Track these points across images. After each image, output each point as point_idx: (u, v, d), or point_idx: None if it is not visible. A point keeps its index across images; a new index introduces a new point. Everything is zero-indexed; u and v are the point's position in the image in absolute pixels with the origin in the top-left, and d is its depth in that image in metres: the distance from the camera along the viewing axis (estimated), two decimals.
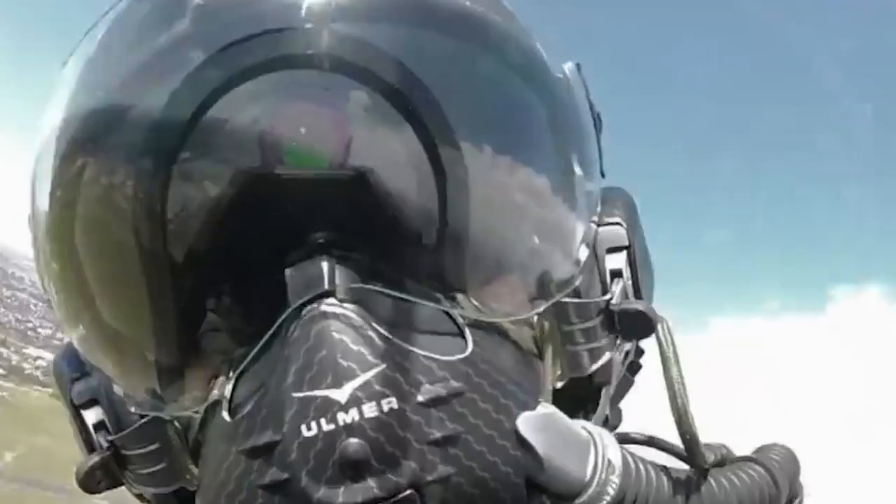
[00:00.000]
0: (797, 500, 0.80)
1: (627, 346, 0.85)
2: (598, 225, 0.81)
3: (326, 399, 0.61)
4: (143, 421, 0.75)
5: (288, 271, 0.66)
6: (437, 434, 0.62)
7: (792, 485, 0.79)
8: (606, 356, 0.79)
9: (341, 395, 0.61)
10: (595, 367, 0.78)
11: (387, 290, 0.66)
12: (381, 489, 0.60)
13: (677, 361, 0.76)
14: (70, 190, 0.75)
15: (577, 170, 0.78)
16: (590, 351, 0.77)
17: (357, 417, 0.60)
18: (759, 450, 0.80)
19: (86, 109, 0.74)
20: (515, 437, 0.65)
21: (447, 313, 0.68)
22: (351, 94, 0.70)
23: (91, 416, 0.78)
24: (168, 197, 0.70)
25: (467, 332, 0.68)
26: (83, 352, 0.79)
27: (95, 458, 0.77)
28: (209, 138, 0.69)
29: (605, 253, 0.81)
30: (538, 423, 0.66)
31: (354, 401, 0.61)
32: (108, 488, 0.80)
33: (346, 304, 0.64)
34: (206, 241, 0.71)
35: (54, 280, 0.79)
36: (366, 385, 0.61)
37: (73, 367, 0.80)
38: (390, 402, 0.61)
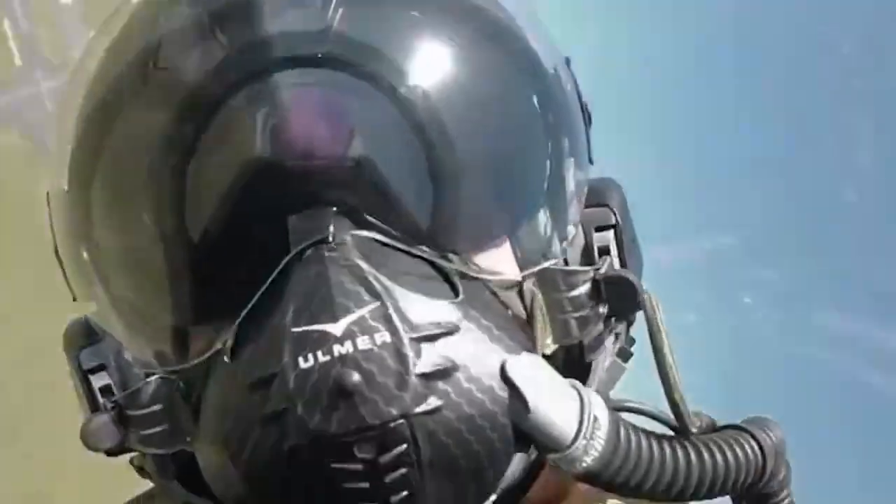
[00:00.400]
0: (780, 475, 0.81)
1: (618, 328, 0.88)
2: (587, 206, 0.85)
3: (323, 332, 0.65)
4: (147, 380, 0.77)
5: (291, 219, 0.70)
6: (427, 369, 0.66)
7: (776, 461, 0.80)
8: (595, 326, 0.82)
9: (337, 328, 0.65)
10: (584, 333, 0.80)
11: (383, 239, 0.71)
12: (373, 417, 0.64)
13: (664, 330, 0.79)
14: (88, 160, 0.79)
15: (567, 155, 0.82)
16: (578, 319, 0.79)
17: (351, 349, 0.64)
18: (751, 421, 0.81)
19: (114, 74, 0.79)
20: (502, 378, 0.68)
21: (439, 266, 0.72)
22: (357, 89, 0.74)
23: (98, 380, 0.82)
24: (187, 172, 0.74)
25: (458, 282, 0.72)
26: (96, 318, 0.84)
27: (100, 416, 0.80)
28: (225, 126, 0.73)
29: (593, 231, 0.85)
30: (525, 368, 0.69)
31: (349, 334, 0.65)
32: (110, 451, 0.82)
33: (344, 250, 0.68)
34: (218, 210, 0.73)
35: (70, 253, 0.83)
36: (360, 320, 0.65)
37: (83, 336, 0.84)
38: (383, 336, 0.65)
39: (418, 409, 0.65)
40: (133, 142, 0.77)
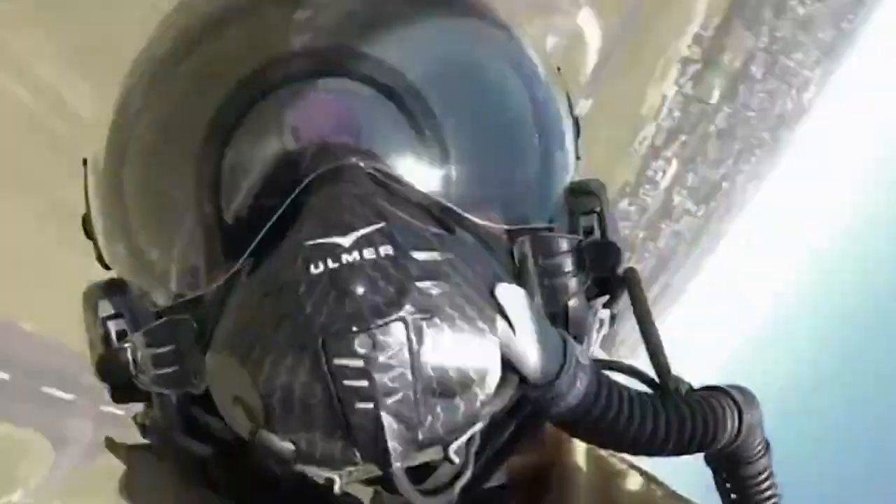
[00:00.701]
0: (756, 442, 0.82)
1: (602, 313, 0.91)
2: (574, 195, 0.91)
3: (333, 244, 0.70)
4: (162, 320, 0.82)
5: (308, 154, 0.77)
6: (424, 281, 0.70)
7: (752, 427, 0.81)
8: (579, 294, 0.86)
9: (346, 241, 0.70)
10: (567, 298, 0.84)
11: (390, 171, 0.77)
12: (374, 316, 0.68)
13: (645, 299, 0.85)
14: (133, 109, 0.86)
15: (555, 143, 0.91)
16: (562, 285, 0.84)
17: (358, 258, 0.69)
18: (731, 386, 0.83)
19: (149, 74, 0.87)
20: (491, 301, 0.72)
21: (437, 208, 0.79)
22: (373, 79, 0.81)
23: (114, 325, 0.85)
24: (221, 132, 0.80)
25: (454, 225, 0.79)
26: (121, 272, 0.89)
27: (115, 351, 0.83)
28: (259, 116, 0.81)
29: (578, 214, 0.90)
30: (514, 297, 0.74)
31: (356, 246, 0.70)
32: (118, 396, 0.85)
33: (356, 178, 0.75)
34: (245, 155, 0.80)
35: (103, 208, 0.89)
36: (367, 235, 0.70)
37: (102, 290, 0.88)
38: (386, 250, 0.70)
39: (415, 314, 0.69)
40: (175, 100, 0.84)
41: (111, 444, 0.89)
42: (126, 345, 0.81)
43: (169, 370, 0.79)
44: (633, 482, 0.94)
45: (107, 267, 0.90)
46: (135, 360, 0.81)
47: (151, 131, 0.83)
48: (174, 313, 0.80)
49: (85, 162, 0.91)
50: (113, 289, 0.86)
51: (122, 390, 0.84)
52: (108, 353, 0.82)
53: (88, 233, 0.92)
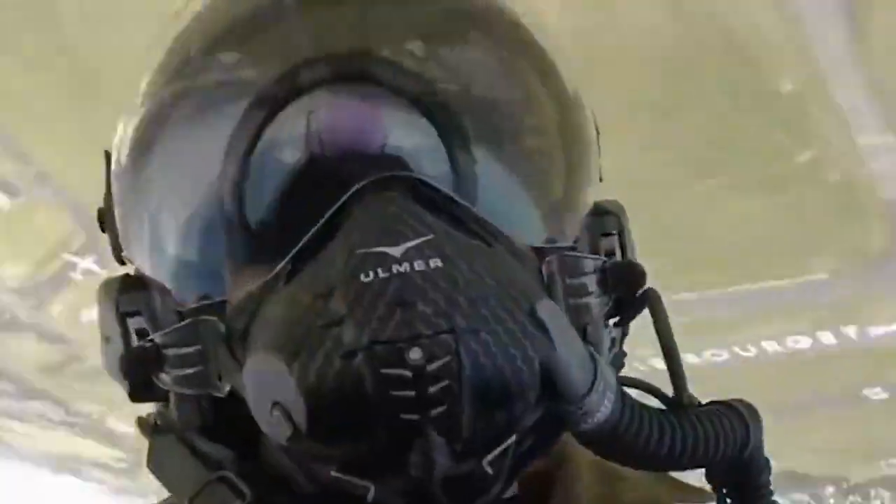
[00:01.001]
0: (763, 453, 0.86)
1: (613, 332, 0.98)
2: (595, 215, 0.98)
3: (384, 254, 0.68)
4: (189, 320, 0.85)
5: (353, 164, 0.79)
6: (472, 293, 0.76)
7: (758, 437, 0.85)
8: (600, 316, 0.92)
9: (397, 251, 0.68)
10: (589, 319, 0.90)
11: (432, 183, 0.81)
12: (426, 327, 0.70)
13: (665, 312, 0.90)
14: (160, 103, 0.87)
15: (581, 163, 0.96)
16: (587, 305, 0.89)
17: (409, 269, 0.68)
18: (737, 400, 0.87)
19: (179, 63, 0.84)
20: (532, 317, 0.77)
21: (475, 221, 0.82)
22: (413, 113, 0.84)
23: (134, 323, 0.92)
24: (257, 132, 0.79)
25: (491, 241, 0.83)
26: (143, 269, 0.92)
27: (138, 348, 0.88)
28: (291, 122, 0.81)
29: (599, 235, 0.97)
30: (553, 314, 0.76)
31: (407, 257, 0.69)
32: (137, 395, 0.89)
33: (401, 190, 0.78)
34: (286, 158, 0.79)
35: (126, 203, 0.91)
36: (417, 246, 0.69)
37: (120, 284, 0.94)
38: (436, 262, 0.69)
39: (463, 326, 0.74)
40: (209, 96, 0.83)
41: (140, 422, 0.98)
42: (149, 343, 0.82)
43: (192, 370, 0.79)
44: (636, 483, 1.01)
45: (122, 263, 0.96)
46: (157, 359, 0.81)
47: (185, 126, 0.82)
48: (200, 314, 0.78)
49: (107, 154, 0.99)
50: (132, 285, 0.86)
51: (141, 388, 0.84)
52: (130, 351, 0.83)
53: (104, 227, 0.92)
